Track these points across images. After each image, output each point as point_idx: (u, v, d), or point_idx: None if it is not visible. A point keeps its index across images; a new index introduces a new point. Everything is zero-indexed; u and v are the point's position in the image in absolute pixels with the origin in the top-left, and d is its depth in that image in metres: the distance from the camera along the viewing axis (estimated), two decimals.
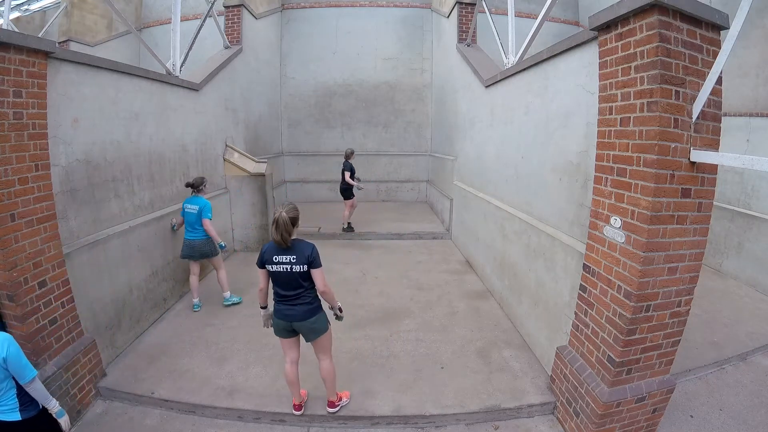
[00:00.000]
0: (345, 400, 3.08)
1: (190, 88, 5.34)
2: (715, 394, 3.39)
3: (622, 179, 2.44)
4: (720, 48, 2.21)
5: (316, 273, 2.61)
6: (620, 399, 2.59)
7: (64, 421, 2.19)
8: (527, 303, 3.97)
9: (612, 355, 2.55)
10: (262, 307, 2.89)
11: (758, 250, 5.38)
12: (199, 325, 4.21)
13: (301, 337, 2.84)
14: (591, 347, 2.78)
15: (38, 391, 2.05)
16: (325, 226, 7.83)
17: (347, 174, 7.24)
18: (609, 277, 2.57)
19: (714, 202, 2.49)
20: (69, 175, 3.17)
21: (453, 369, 3.52)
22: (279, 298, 2.70)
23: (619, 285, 2.48)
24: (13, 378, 1.98)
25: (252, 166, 6.57)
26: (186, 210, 4.37)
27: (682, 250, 2.37)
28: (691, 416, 3.14)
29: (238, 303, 4.74)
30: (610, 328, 2.56)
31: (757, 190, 5.48)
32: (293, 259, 2.56)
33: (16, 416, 1.99)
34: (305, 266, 2.57)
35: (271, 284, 2.73)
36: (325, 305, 2.82)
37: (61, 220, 3.03)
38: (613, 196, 2.54)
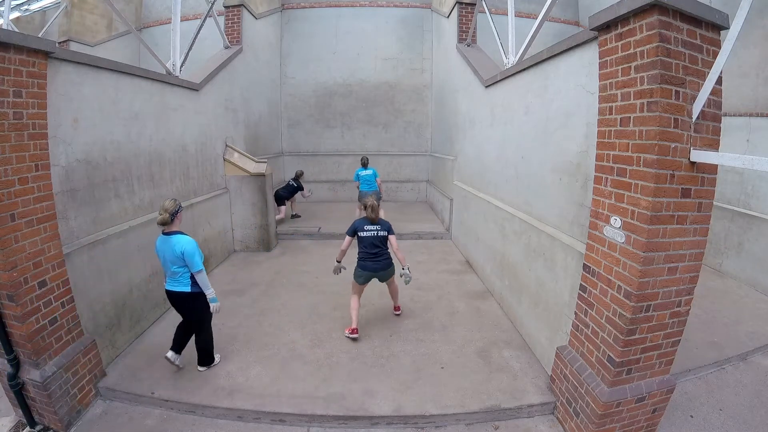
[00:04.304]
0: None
1: (190, 88, 5.34)
2: (715, 394, 3.39)
3: (622, 179, 2.44)
4: (720, 48, 2.20)
5: (392, 238, 3.99)
6: (620, 399, 2.59)
7: (214, 306, 3.23)
8: (527, 303, 3.97)
9: (612, 355, 2.55)
10: (337, 261, 4.09)
11: (758, 250, 5.39)
12: None
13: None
14: (591, 347, 2.78)
15: (201, 280, 3.13)
16: (325, 226, 7.81)
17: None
18: (609, 277, 2.58)
19: (714, 202, 2.50)
20: (69, 175, 3.17)
21: (453, 369, 3.52)
22: (367, 256, 3.95)
23: (619, 285, 2.48)
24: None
25: (252, 166, 6.57)
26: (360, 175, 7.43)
27: (682, 250, 2.37)
28: (691, 416, 3.14)
29: None
30: (610, 328, 2.56)
31: (757, 190, 5.48)
32: (378, 228, 3.94)
33: (188, 288, 3.15)
34: (386, 233, 3.97)
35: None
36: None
37: (61, 220, 3.03)
38: (613, 196, 2.54)
